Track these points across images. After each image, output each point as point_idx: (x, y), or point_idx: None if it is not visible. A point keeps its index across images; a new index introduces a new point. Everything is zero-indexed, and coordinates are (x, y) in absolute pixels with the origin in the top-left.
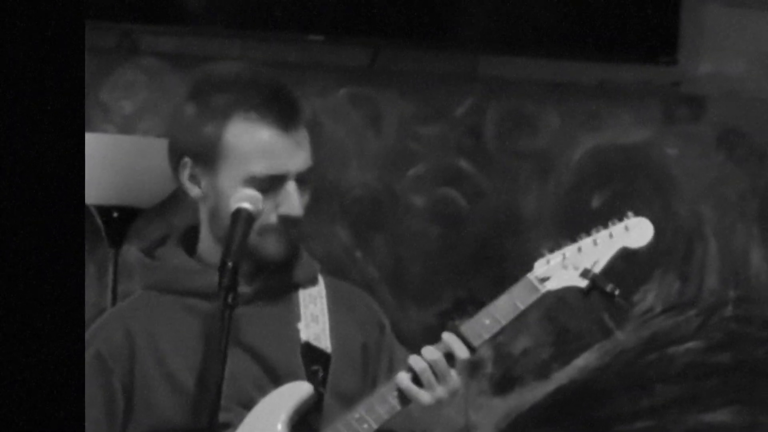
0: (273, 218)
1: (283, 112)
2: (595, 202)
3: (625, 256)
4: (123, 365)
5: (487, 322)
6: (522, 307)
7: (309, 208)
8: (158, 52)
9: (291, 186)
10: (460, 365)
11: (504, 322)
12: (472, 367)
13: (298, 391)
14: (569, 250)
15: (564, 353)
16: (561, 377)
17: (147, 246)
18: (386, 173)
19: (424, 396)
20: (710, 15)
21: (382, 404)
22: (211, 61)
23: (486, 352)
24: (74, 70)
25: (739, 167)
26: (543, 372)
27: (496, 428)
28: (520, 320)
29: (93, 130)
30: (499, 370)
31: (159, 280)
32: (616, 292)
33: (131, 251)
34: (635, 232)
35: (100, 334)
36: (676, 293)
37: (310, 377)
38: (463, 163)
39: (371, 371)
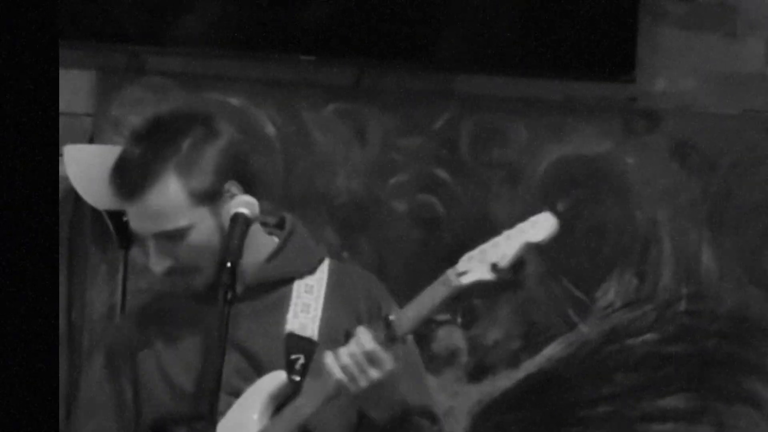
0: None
1: (126, 182)
2: (560, 207)
3: (588, 255)
4: (128, 359)
5: (411, 314)
6: (437, 301)
7: (300, 213)
8: (164, 72)
9: (148, 245)
10: (391, 345)
11: (424, 314)
12: (450, 357)
13: (272, 380)
14: (486, 246)
15: (532, 344)
16: (530, 366)
17: None
18: (370, 181)
19: (350, 386)
20: (665, 37)
21: (320, 389)
22: (212, 79)
23: (461, 343)
24: (49, 87)
25: (691, 176)
26: (513, 361)
27: (470, 413)
28: (492, 316)
29: (104, 142)
30: (473, 359)
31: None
32: (512, 278)
33: None
34: (539, 226)
35: (111, 330)
36: (634, 290)
37: (289, 366)
38: (441, 172)
39: None
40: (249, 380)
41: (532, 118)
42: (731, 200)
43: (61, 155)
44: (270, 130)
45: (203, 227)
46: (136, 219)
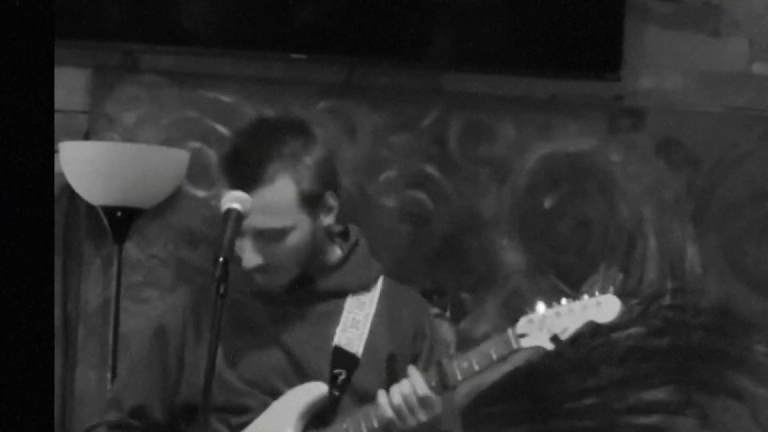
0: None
1: (243, 176)
2: (547, 204)
3: (575, 250)
4: (177, 339)
5: (465, 365)
6: (495, 357)
7: None
8: (158, 70)
9: (244, 241)
10: (442, 392)
11: (478, 369)
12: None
13: (313, 391)
14: (549, 312)
15: None
16: (517, 359)
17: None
18: (361, 177)
19: (398, 425)
20: (650, 36)
21: (366, 421)
22: (206, 77)
23: (450, 337)
24: (45, 86)
25: (676, 172)
26: None
27: (459, 405)
28: (480, 310)
29: (99, 138)
30: (462, 352)
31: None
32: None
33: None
34: (605, 307)
35: (164, 309)
36: (620, 284)
37: (332, 379)
38: (430, 169)
39: (400, 379)
40: (289, 383)
41: (520, 115)
42: (715, 196)
43: (57, 152)
44: None
45: (302, 230)
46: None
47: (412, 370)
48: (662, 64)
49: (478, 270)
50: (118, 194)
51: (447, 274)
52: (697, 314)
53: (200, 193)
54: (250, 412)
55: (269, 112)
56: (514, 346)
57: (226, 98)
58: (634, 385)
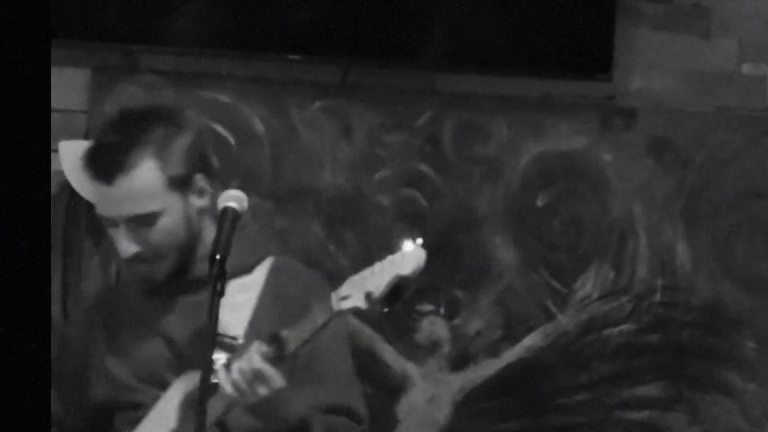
0: (116, 253)
1: (101, 168)
2: (539, 202)
3: (567, 248)
4: (81, 344)
5: (295, 334)
6: (320, 322)
7: (288, 207)
8: (156, 70)
9: (119, 231)
10: (279, 363)
11: (308, 335)
12: (433, 346)
13: (192, 379)
14: (366, 272)
15: (513, 334)
16: (510, 356)
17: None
18: (356, 176)
19: (239, 401)
20: (641, 37)
21: (219, 400)
22: (203, 77)
23: (444, 333)
24: (41, 85)
25: (666, 171)
26: (494, 351)
27: (453, 400)
28: (474, 307)
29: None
30: (456, 349)
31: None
32: (385, 310)
33: None
34: (408, 260)
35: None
36: (611, 282)
37: (211, 365)
38: (424, 168)
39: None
40: (176, 374)
41: (513, 115)
42: (705, 195)
43: (57, 151)
44: (258, 126)
45: (173, 213)
46: (110, 203)
47: (254, 344)
48: (653, 64)
49: (472, 267)
50: None
51: (441, 271)
52: (687, 311)
53: None
54: (143, 407)
55: (265, 112)
56: (335, 308)
57: (223, 98)
58: (626, 380)
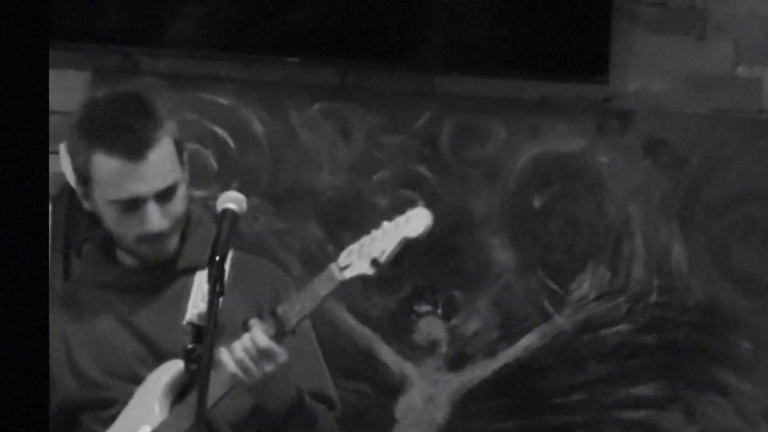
0: (139, 233)
1: (129, 145)
2: (537, 203)
3: (563, 249)
4: None
5: (297, 308)
6: (323, 294)
7: (287, 207)
8: (156, 72)
9: (149, 207)
10: (281, 339)
11: (308, 309)
12: (431, 346)
13: (171, 369)
14: (366, 240)
15: (510, 335)
16: (507, 356)
17: (77, 246)
18: (354, 177)
19: (245, 380)
20: (637, 40)
21: (216, 383)
22: (203, 79)
23: (441, 334)
24: (39, 88)
25: (662, 173)
26: (491, 351)
27: (450, 400)
28: (471, 308)
29: None
30: (453, 349)
31: (80, 273)
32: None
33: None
34: (414, 221)
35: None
36: (607, 282)
37: (187, 354)
38: (422, 169)
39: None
40: (149, 368)
41: (510, 117)
42: (701, 196)
43: (56, 152)
44: (258, 128)
45: (183, 184)
46: (140, 181)
47: (253, 323)
48: (649, 66)
49: (469, 268)
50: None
51: (439, 272)
52: (683, 311)
53: (198, 193)
54: (117, 404)
55: (264, 114)
56: (338, 278)
57: (223, 100)
58: (622, 380)
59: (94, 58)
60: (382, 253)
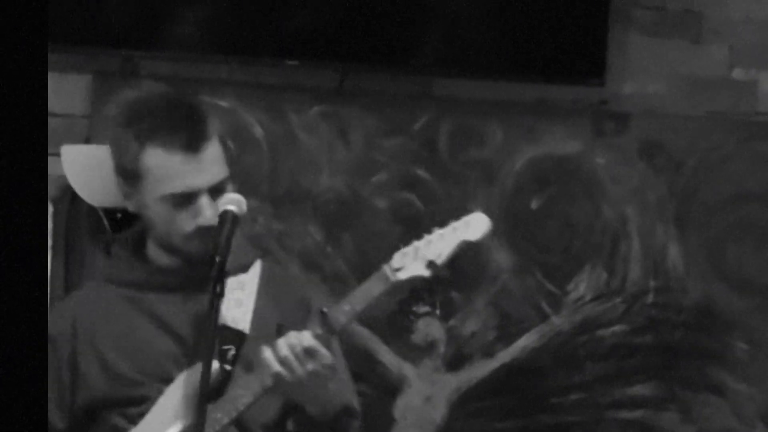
0: (191, 227)
1: (187, 139)
2: (534, 205)
3: (560, 251)
4: (67, 346)
5: (347, 308)
6: (375, 294)
7: (287, 210)
8: (156, 75)
9: (203, 200)
10: (331, 344)
11: (359, 309)
12: (429, 347)
13: (197, 372)
14: (421, 243)
15: (507, 335)
16: (504, 356)
17: (106, 245)
18: (353, 179)
19: (288, 378)
20: (633, 43)
21: (257, 381)
22: (203, 82)
23: (440, 334)
24: (37, 89)
25: (658, 175)
26: (489, 351)
27: (448, 400)
28: (469, 308)
29: (99, 143)
30: (451, 349)
31: (108, 273)
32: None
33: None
34: (473, 226)
35: (52, 320)
36: (604, 283)
37: (221, 356)
38: (420, 171)
39: None
40: (180, 368)
41: (507, 119)
42: (696, 198)
43: (58, 155)
44: (258, 131)
45: (230, 183)
46: (196, 174)
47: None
48: (645, 69)
49: (467, 269)
50: (117, 196)
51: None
52: (679, 312)
53: None
54: (146, 402)
55: (264, 117)
56: (392, 279)
57: (222, 103)
58: (619, 381)
59: (94, 61)
60: (439, 255)
